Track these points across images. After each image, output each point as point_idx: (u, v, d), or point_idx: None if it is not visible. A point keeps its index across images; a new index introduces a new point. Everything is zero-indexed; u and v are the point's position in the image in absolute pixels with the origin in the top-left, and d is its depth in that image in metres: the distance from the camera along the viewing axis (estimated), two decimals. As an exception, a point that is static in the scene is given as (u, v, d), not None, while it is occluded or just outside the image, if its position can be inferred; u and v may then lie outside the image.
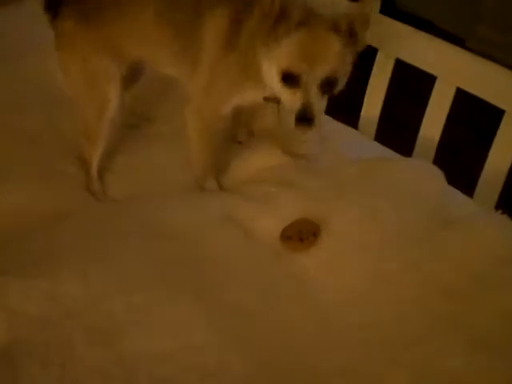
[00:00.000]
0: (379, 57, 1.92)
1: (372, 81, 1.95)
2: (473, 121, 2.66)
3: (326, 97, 1.40)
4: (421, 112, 1.84)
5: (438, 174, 1.63)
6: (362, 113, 1.99)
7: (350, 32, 1.36)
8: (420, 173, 1.63)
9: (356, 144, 1.86)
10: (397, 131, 2.16)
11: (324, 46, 1.34)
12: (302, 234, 1.49)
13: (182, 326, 1.29)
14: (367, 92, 1.97)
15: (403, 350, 1.29)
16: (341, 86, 1.41)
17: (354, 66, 1.43)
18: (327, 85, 1.37)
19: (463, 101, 1.79)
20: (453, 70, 1.76)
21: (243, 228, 1.55)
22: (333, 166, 1.69)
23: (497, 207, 1.65)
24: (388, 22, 1.88)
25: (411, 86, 2.43)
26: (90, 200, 1.70)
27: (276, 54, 1.36)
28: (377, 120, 1.96)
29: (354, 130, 1.96)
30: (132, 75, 1.75)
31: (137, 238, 1.50)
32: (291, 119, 1.37)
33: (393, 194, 1.54)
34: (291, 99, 1.37)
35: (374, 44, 1.90)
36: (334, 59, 1.35)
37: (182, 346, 1.25)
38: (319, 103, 1.37)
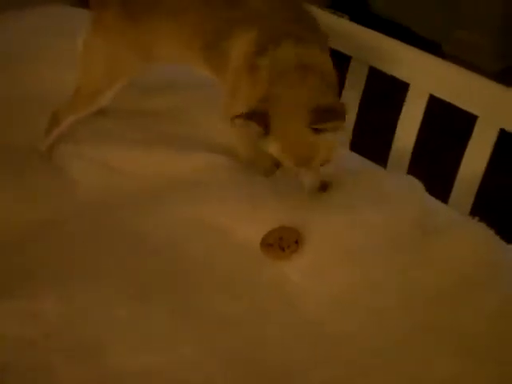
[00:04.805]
0: (352, 64, 1.92)
1: (346, 89, 1.94)
2: (446, 127, 2.69)
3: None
4: (394, 119, 1.85)
5: (418, 185, 1.63)
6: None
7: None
8: (400, 184, 1.62)
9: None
10: (370, 139, 2.17)
11: (310, 150, 1.46)
12: (283, 241, 1.46)
13: (167, 340, 1.26)
14: (341, 100, 1.96)
15: (389, 359, 1.27)
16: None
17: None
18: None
19: (436, 107, 1.80)
20: (425, 76, 1.77)
21: (223, 236, 1.51)
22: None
23: (472, 213, 1.66)
24: (360, 29, 1.88)
25: (385, 93, 2.44)
26: (69, 210, 1.65)
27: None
28: (351, 128, 1.96)
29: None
30: None
31: (116, 251, 1.46)
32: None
33: (375, 202, 1.52)
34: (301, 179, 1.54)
35: (347, 52, 1.91)
36: (321, 156, 1.48)
37: (167, 361, 1.22)
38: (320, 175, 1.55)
